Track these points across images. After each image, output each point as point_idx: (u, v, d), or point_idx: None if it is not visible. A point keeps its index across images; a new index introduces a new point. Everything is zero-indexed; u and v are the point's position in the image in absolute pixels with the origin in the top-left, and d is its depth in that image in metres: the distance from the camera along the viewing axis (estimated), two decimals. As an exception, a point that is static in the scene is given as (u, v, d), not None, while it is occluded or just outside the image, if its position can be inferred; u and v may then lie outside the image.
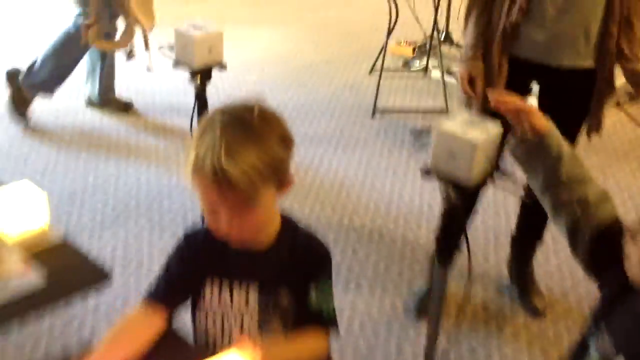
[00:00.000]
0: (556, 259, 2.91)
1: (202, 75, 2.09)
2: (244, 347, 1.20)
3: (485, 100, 2.07)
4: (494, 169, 1.26)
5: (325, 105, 4.18)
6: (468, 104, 2.28)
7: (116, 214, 3.03)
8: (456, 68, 2.16)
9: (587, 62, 2.14)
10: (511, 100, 1.34)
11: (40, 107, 3.80)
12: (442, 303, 1.41)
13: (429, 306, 1.44)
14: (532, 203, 2.34)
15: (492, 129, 1.23)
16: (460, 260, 1.61)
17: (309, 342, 1.35)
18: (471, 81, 2.19)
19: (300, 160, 3.53)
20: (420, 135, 3.80)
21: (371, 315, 2.58)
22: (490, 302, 2.67)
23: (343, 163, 3.56)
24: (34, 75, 3.63)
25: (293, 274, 1.37)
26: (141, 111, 3.98)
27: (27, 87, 3.65)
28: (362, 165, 3.55)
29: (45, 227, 1.49)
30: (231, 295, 1.37)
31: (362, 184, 3.39)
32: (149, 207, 3.11)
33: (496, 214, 3.18)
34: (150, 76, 4.02)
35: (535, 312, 2.58)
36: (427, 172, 1.25)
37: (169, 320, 1.36)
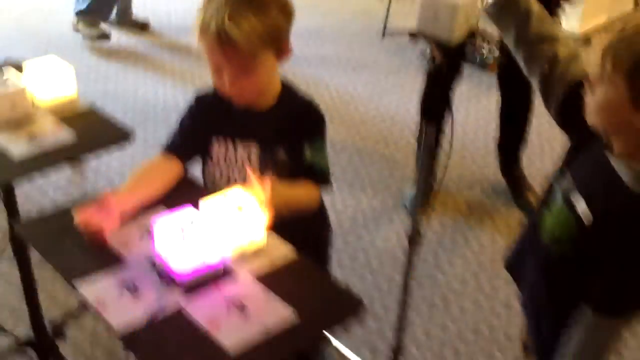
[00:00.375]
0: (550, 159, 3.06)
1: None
2: (250, 184, 1.35)
3: None
4: (474, 30, 1.38)
5: (337, 27, 4.29)
6: None
7: (135, 122, 3.21)
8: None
9: None
10: None
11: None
12: (431, 162, 1.57)
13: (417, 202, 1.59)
14: (507, 85, 2.59)
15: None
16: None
17: (305, 188, 1.50)
18: None
19: (311, 78, 3.67)
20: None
21: (374, 208, 2.76)
22: (486, 200, 2.83)
23: (352, 81, 3.69)
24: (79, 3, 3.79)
25: (290, 134, 1.51)
26: (157, 30, 4.11)
27: (83, 21, 3.80)
28: (370, 83, 3.68)
29: (74, 96, 1.66)
30: (235, 151, 1.53)
31: (370, 99, 3.53)
32: (166, 118, 3.28)
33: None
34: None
35: (528, 207, 2.74)
36: (412, 35, 1.39)
37: (184, 171, 1.52)
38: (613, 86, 1.16)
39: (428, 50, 1.39)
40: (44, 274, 2.18)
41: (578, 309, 1.30)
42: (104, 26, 3.89)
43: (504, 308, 2.32)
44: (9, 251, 1.97)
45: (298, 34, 1.48)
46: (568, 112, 1.37)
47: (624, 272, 1.24)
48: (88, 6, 3.79)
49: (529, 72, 1.44)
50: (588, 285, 1.28)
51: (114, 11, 4.01)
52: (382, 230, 2.65)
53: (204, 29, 1.37)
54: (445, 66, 1.38)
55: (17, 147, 1.51)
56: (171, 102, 3.42)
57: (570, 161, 1.37)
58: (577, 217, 1.26)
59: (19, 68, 1.67)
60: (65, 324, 2.11)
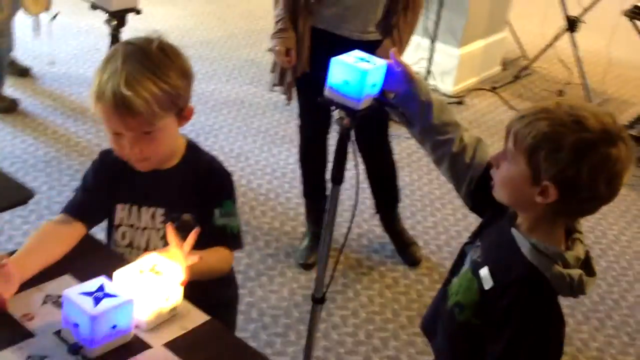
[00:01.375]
0: (433, 217, 3.22)
1: (118, 19, 2.23)
2: (168, 248, 1.34)
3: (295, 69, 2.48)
4: (378, 98, 1.46)
5: (226, 77, 4.32)
6: (280, 77, 2.56)
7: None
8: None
9: (373, 35, 2.42)
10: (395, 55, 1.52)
11: None
12: (332, 224, 1.62)
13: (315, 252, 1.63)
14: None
15: (379, 62, 1.44)
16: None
17: (217, 254, 1.50)
18: (287, 53, 2.44)
19: (201, 129, 3.67)
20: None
21: (265, 262, 2.78)
22: (373, 255, 2.93)
23: (242, 132, 3.72)
24: None
25: (196, 197, 1.51)
26: (39, 77, 3.97)
27: None
28: (260, 134, 3.73)
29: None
30: (139, 215, 1.51)
31: (260, 150, 3.58)
32: (48, 169, 3.15)
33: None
34: (50, 41, 4.01)
35: (413, 262, 2.86)
36: (323, 102, 1.45)
37: (86, 232, 1.48)
38: (515, 163, 1.26)
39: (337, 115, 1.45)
40: None
41: None
42: (7, 93, 3.61)
43: (419, 337, 2.39)
44: None
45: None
46: (478, 195, 1.44)
47: (516, 343, 1.27)
48: None
49: (436, 160, 1.50)
50: (488, 355, 1.32)
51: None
52: (275, 285, 2.67)
53: (99, 94, 1.35)
54: (349, 130, 1.45)
55: None
56: (52, 155, 3.29)
57: (480, 231, 1.44)
58: (480, 283, 1.33)
59: None
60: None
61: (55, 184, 3.02)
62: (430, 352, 1.54)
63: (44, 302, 1.29)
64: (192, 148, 1.56)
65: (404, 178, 3.44)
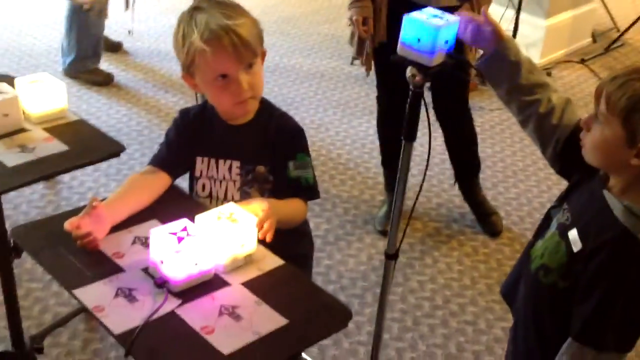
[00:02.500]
0: (516, 188, 3.18)
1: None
2: (247, 201, 1.41)
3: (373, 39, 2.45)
4: (451, 55, 1.47)
5: (307, 52, 4.38)
6: (358, 48, 2.54)
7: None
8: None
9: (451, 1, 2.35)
10: (472, 16, 1.51)
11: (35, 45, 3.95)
12: (405, 180, 1.64)
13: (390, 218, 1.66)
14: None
15: (451, 18, 1.45)
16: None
17: (293, 204, 1.56)
18: (364, 22, 2.43)
19: (282, 101, 3.75)
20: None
21: (344, 227, 2.83)
22: (453, 223, 2.93)
23: (322, 105, 3.78)
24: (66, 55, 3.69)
25: (270, 151, 1.57)
26: (130, 52, 4.15)
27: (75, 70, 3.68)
28: (340, 106, 3.77)
29: (64, 108, 1.70)
30: (217, 168, 1.59)
31: (340, 122, 3.62)
32: (140, 137, 3.31)
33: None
34: (140, 20, 4.19)
35: (494, 232, 2.84)
36: (395, 60, 1.47)
37: (171, 183, 1.57)
38: (608, 126, 1.23)
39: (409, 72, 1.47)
40: (18, 292, 2.19)
41: (563, 339, 1.33)
42: (102, 67, 3.79)
43: (470, 326, 2.40)
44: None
45: (267, 60, 1.57)
46: (565, 157, 1.42)
47: (607, 304, 1.26)
48: (78, 54, 3.65)
49: (522, 121, 1.48)
50: (573, 316, 1.30)
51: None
52: (353, 249, 2.72)
53: (208, 36, 1.42)
54: (422, 87, 1.46)
55: (9, 157, 1.54)
56: (144, 125, 3.45)
57: (568, 194, 1.42)
58: (568, 245, 1.31)
59: (9, 82, 1.70)
60: (43, 339, 2.12)
61: (147, 151, 3.17)
62: (509, 319, 1.53)
63: (133, 243, 1.38)
64: (267, 104, 1.62)
65: (486, 149, 3.40)
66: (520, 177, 3.27)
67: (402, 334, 2.35)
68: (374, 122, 3.57)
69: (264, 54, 1.55)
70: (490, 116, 3.72)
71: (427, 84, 1.51)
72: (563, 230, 1.35)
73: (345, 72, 4.16)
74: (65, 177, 2.96)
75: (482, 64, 1.50)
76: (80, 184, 2.95)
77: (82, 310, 2.28)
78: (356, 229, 2.84)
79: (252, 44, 1.45)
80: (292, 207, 1.55)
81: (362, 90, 3.95)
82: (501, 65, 1.47)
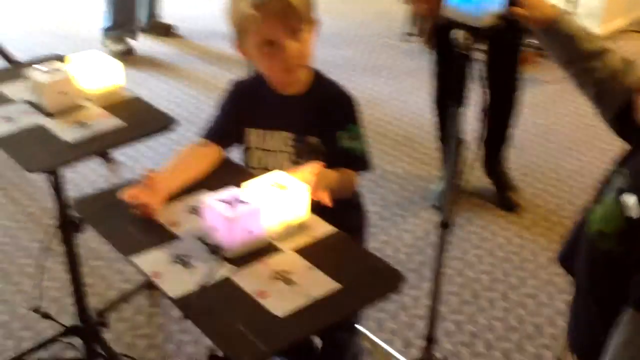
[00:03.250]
0: (578, 161, 3.09)
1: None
2: (298, 171, 1.41)
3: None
4: (505, 17, 1.43)
5: (358, 30, 4.36)
6: (419, 26, 2.47)
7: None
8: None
9: None
10: None
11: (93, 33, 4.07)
12: (456, 152, 1.62)
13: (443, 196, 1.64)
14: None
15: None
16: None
17: (345, 174, 1.56)
18: None
19: (334, 76, 3.73)
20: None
21: (400, 204, 2.81)
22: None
23: (374, 82, 3.76)
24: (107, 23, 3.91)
25: (322, 121, 1.57)
26: (186, 35, 4.22)
27: (109, 37, 3.92)
28: (391, 85, 3.75)
29: (120, 85, 1.74)
30: (269, 139, 1.60)
31: (392, 98, 3.60)
32: (195, 118, 3.36)
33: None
34: (194, 4, 4.25)
35: (510, 207, 2.77)
36: (442, 20, 1.44)
37: (223, 155, 1.59)
38: None
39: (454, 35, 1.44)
40: (84, 270, 2.27)
41: (622, 308, 1.27)
42: (129, 41, 3.98)
43: (530, 299, 2.36)
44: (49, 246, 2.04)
45: (318, 37, 1.56)
46: (626, 120, 1.36)
47: None
48: (113, 22, 3.91)
49: (581, 87, 1.44)
50: (631, 285, 1.26)
51: (145, 17, 4.11)
52: (409, 224, 2.70)
53: (257, 4, 1.43)
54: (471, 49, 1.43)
55: (68, 133, 1.59)
56: (196, 107, 3.50)
57: (628, 158, 1.36)
58: (626, 211, 1.26)
59: (67, 61, 1.75)
60: (108, 314, 2.18)
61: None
62: (571, 292, 1.50)
63: (188, 212, 1.40)
64: (318, 75, 1.62)
65: (539, 121, 3.33)
66: (581, 148, 3.19)
67: (461, 307, 2.32)
68: (426, 97, 3.54)
69: (315, 24, 1.54)
70: (548, 88, 3.63)
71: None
72: (621, 195, 1.31)
73: (397, 47, 4.12)
74: (122, 157, 3.03)
75: (538, 38, 1.47)
76: (140, 165, 3.02)
77: (145, 286, 2.34)
78: (412, 204, 2.82)
79: (299, 10, 1.45)
80: (342, 177, 1.54)
81: (414, 64, 3.91)
82: (556, 32, 1.43)
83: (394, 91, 3.66)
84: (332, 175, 1.48)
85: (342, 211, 1.62)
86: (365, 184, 2.89)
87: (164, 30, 4.14)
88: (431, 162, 3.08)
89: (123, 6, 3.88)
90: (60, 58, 1.79)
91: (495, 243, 2.61)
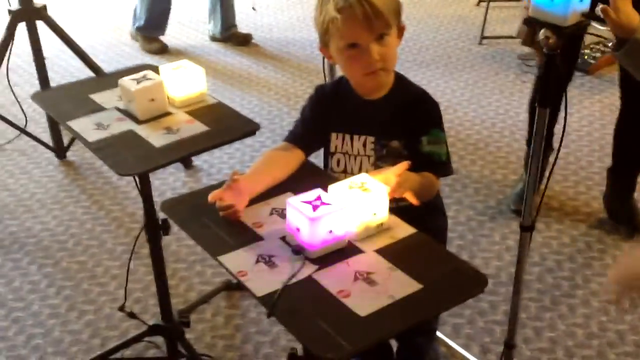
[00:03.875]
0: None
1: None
2: (380, 173, 1.43)
3: None
4: (588, 16, 1.41)
5: (435, 33, 4.35)
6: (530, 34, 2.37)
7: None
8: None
9: None
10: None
11: (171, 43, 4.20)
12: (540, 148, 1.60)
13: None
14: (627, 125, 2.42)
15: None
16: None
17: (426, 178, 1.56)
18: None
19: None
20: (527, 59, 3.89)
21: (475, 208, 2.78)
22: (593, 202, 2.80)
23: (450, 86, 3.73)
24: (138, 19, 4.10)
25: (405, 124, 1.58)
26: (260, 44, 4.30)
27: (137, 32, 4.14)
28: (468, 87, 3.71)
29: (204, 91, 1.80)
30: (352, 143, 1.62)
31: (468, 102, 3.56)
32: (271, 125, 3.43)
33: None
34: (268, 12, 4.32)
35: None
36: (527, 21, 1.44)
37: (305, 159, 1.62)
38: None
39: (542, 35, 1.43)
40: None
41: None
42: (161, 38, 4.18)
43: (612, 306, 2.29)
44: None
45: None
46: None
47: None
48: (145, 22, 4.09)
49: None
50: None
51: (219, 27, 4.21)
52: (486, 229, 2.67)
53: (342, 5, 1.46)
54: (560, 50, 1.42)
55: (156, 139, 1.66)
56: (273, 114, 3.56)
57: None
58: None
59: (154, 70, 1.83)
60: (190, 314, 2.25)
61: (278, 138, 3.28)
62: None
63: (271, 214, 1.44)
64: (401, 79, 1.63)
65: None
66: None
67: (540, 314, 2.28)
68: (505, 101, 3.51)
69: (401, 29, 1.55)
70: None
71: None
72: None
73: (472, 52, 4.09)
74: (204, 165, 3.12)
75: (618, 52, 1.45)
76: (218, 171, 3.10)
77: (224, 288, 2.41)
78: (488, 208, 2.79)
79: (385, 14, 1.46)
80: (424, 180, 1.55)
81: (492, 70, 3.87)
82: (636, 52, 1.41)
83: (470, 96, 3.63)
84: (414, 177, 1.49)
85: (424, 214, 1.64)
86: (441, 188, 2.88)
87: (243, 40, 4.23)
88: (508, 166, 3.04)
89: (158, 6, 4.03)
90: (152, 67, 1.87)
91: (575, 248, 2.56)
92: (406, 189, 1.41)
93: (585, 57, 3.77)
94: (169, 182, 3.01)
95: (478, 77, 3.81)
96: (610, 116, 3.35)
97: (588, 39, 3.93)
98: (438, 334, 2.15)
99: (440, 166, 1.60)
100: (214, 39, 4.29)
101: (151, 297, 2.35)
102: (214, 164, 3.13)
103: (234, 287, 2.38)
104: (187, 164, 3.10)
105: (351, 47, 1.51)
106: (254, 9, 4.26)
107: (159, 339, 2.15)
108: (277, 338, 2.21)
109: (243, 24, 4.38)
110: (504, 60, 3.98)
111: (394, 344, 1.99)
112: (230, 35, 4.24)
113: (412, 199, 1.41)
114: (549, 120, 2.62)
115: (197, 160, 3.16)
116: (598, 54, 3.80)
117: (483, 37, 4.17)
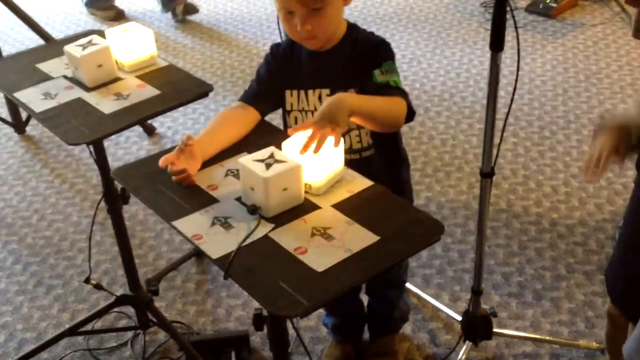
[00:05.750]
0: (624, 104, 3.00)
1: None
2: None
3: None
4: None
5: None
6: None
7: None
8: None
9: None
10: None
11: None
12: (496, 93, 1.59)
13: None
14: None
15: None
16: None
17: (385, 98, 1.47)
18: None
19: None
20: (489, 6, 3.86)
21: (442, 159, 2.78)
22: (552, 140, 2.81)
23: (414, 37, 3.70)
24: None
25: (357, 70, 1.53)
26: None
27: (87, 7, 4.10)
28: (432, 38, 3.68)
29: (154, 54, 1.75)
30: (307, 98, 1.59)
31: (432, 54, 3.54)
32: (235, 88, 3.38)
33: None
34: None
35: None
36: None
37: (260, 119, 1.59)
38: None
39: None
40: (133, 241, 2.32)
41: None
42: (116, 5, 4.12)
43: (580, 247, 2.32)
44: (98, 220, 2.08)
45: None
46: None
47: None
48: None
49: None
50: None
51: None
52: (453, 179, 2.68)
53: None
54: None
55: (106, 105, 1.61)
56: (238, 75, 3.50)
57: None
58: None
59: (100, 34, 1.77)
60: (158, 282, 2.23)
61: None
62: None
63: (226, 175, 1.42)
64: (352, 28, 1.59)
65: (591, 67, 3.22)
66: (629, 91, 3.09)
67: (509, 259, 2.30)
68: (468, 51, 3.49)
69: None
70: (593, 32, 3.51)
71: None
72: None
73: (435, 2, 4.04)
74: (168, 132, 3.08)
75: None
76: (176, 132, 3.06)
77: (193, 254, 2.39)
78: (455, 159, 2.79)
79: None
80: (379, 99, 1.46)
81: (455, 19, 3.83)
82: None
83: (434, 47, 3.60)
84: (358, 97, 1.44)
85: (392, 166, 1.62)
86: (405, 140, 2.86)
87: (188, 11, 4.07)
88: (473, 115, 3.03)
89: None
90: (95, 33, 1.81)
91: (541, 192, 2.57)
92: (342, 114, 1.35)
93: (547, 1, 3.75)
94: (133, 151, 2.96)
95: (441, 27, 3.78)
96: (573, 59, 3.36)
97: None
98: (408, 285, 2.17)
99: (399, 91, 1.51)
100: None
101: (119, 268, 2.32)
102: (178, 130, 3.09)
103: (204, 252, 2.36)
104: (150, 131, 3.05)
105: (288, 13, 1.47)
106: None
107: (130, 310, 2.14)
108: (250, 300, 2.20)
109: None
110: (466, 9, 3.94)
111: (365, 299, 2.00)
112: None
113: (366, 123, 1.35)
114: None
115: (160, 128, 3.11)
116: (560, -3, 3.78)
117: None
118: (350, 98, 1.42)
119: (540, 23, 3.68)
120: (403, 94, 1.50)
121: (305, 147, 1.31)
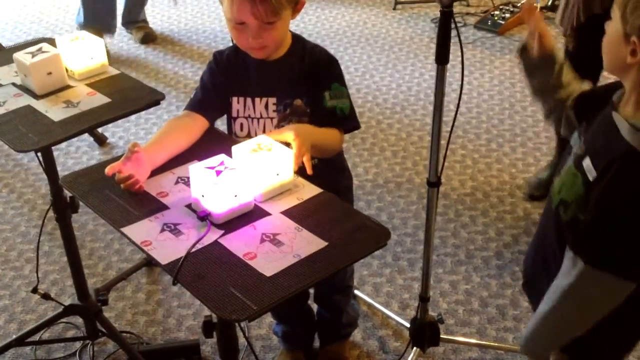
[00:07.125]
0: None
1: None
2: (278, 131, 1.44)
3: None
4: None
5: (348, 1, 4.35)
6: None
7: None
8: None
9: None
10: (536, 17, 1.42)
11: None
12: (441, 105, 1.64)
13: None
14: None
15: None
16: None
17: (328, 131, 1.56)
18: None
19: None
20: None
21: (393, 170, 2.83)
22: (500, 154, 2.88)
23: (367, 51, 3.76)
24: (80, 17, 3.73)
25: (305, 84, 1.58)
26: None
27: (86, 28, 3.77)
28: (384, 52, 3.75)
29: (104, 63, 1.75)
30: (254, 106, 1.62)
31: (385, 67, 3.60)
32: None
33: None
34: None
35: None
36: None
37: (208, 126, 1.60)
38: (614, 19, 1.19)
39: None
40: (83, 252, 2.30)
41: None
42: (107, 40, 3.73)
43: (524, 256, 2.38)
44: (47, 230, 2.05)
45: (311, 9, 1.55)
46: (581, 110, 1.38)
47: (618, 226, 1.20)
48: (84, 18, 3.66)
49: (547, 116, 1.48)
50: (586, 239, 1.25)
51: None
52: (403, 190, 2.73)
53: None
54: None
55: (56, 113, 1.61)
56: (192, 86, 3.51)
57: (585, 129, 1.36)
58: (584, 176, 1.25)
59: (50, 43, 1.76)
60: (108, 291, 2.22)
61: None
62: None
63: (176, 182, 1.43)
64: (298, 39, 1.63)
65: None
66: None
67: (456, 268, 2.36)
68: (419, 65, 3.56)
69: (299, 5, 1.54)
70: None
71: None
72: (578, 162, 1.29)
73: (387, 17, 4.12)
74: (120, 142, 3.06)
75: (526, 60, 1.48)
76: (128, 141, 3.03)
77: (144, 264, 2.38)
78: (405, 170, 2.84)
79: (274, 5, 1.43)
80: (326, 134, 1.55)
81: (407, 34, 3.91)
82: (541, 72, 1.45)
83: (386, 61, 3.67)
84: (315, 134, 1.50)
85: (331, 175, 1.65)
86: (357, 152, 2.92)
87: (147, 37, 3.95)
88: (424, 127, 3.10)
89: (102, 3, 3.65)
90: (48, 39, 1.81)
91: (489, 203, 2.64)
92: (307, 145, 1.41)
93: (496, 18, 3.86)
94: (83, 161, 2.93)
95: (393, 42, 3.85)
96: (519, 74, 3.46)
97: (497, 0, 4.03)
98: (359, 293, 2.20)
99: (345, 120, 1.60)
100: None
101: (68, 278, 2.29)
102: (130, 140, 3.07)
103: (154, 263, 2.35)
104: (101, 141, 3.03)
105: (237, 23, 1.50)
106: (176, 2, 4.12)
107: (79, 320, 2.11)
108: (201, 310, 2.20)
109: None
110: (418, 25, 4.03)
111: (315, 307, 2.02)
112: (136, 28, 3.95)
113: (308, 165, 1.41)
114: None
115: (112, 138, 3.09)
116: (507, 15, 3.90)
117: (397, 2, 4.20)
118: (313, 131, 1.50)
119: (489, 39, 3.79)
120: (346, 121, 1.59)
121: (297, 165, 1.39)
